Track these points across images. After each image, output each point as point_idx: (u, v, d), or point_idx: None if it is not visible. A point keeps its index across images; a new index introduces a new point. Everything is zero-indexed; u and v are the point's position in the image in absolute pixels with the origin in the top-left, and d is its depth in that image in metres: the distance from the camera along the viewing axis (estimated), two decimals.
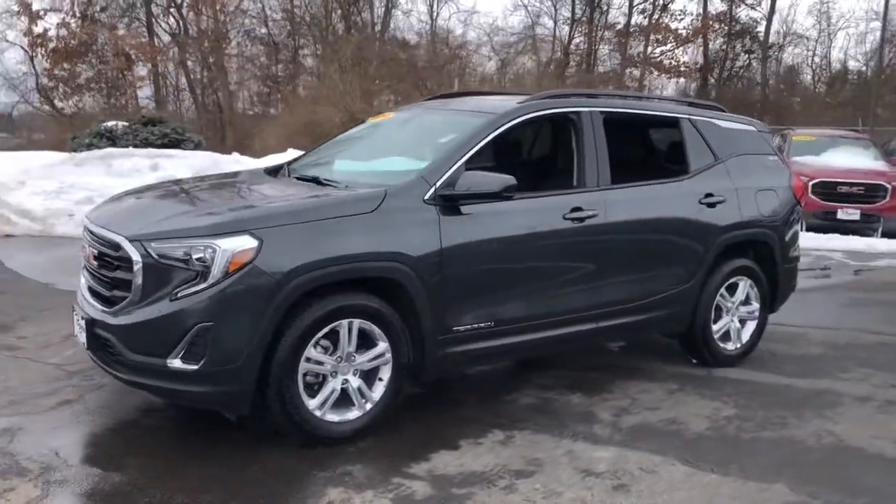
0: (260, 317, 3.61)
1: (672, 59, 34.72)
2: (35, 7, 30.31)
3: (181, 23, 32.58)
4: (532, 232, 4.45)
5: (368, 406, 4.01)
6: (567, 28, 34.96)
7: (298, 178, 4.69)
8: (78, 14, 31.07)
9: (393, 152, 4.93)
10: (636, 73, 34.43)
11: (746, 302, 5.53)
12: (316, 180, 4.53)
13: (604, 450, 4.00)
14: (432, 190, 4.13)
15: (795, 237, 5.79)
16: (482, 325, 4.29)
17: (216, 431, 4.06)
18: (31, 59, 31.53)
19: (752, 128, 5.72)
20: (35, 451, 3.73)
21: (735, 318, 5.48)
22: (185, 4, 30.98)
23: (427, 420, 4.33)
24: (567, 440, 4.10)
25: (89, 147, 12.93)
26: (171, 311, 3.60)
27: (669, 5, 34.61)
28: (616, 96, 5.67)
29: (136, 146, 12.80)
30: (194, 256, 3.60)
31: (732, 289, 5.43)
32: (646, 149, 5.89)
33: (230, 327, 3.60)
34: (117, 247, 3.81)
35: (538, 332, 4.53)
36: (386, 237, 3.94)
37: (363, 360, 3.97)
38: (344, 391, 3.95)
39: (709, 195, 5.18)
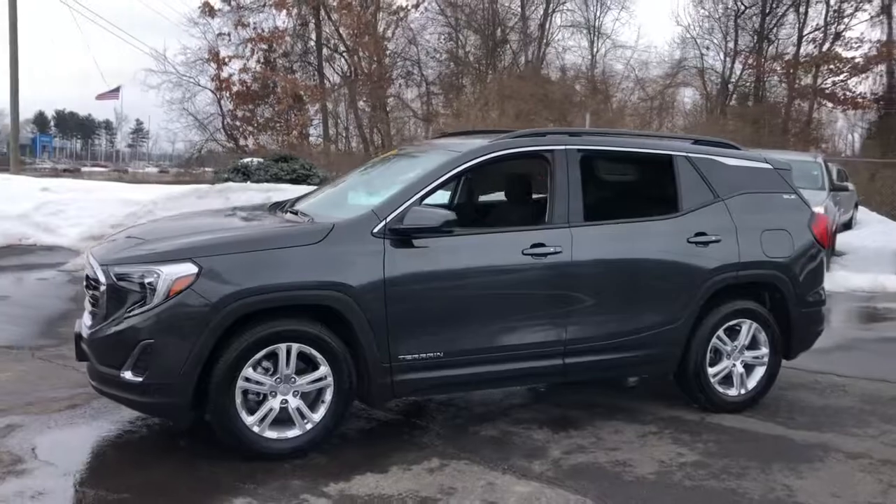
0: (196, 337, 3.98)
1: (846, 89, 32.61)
2: (222, 54, 33.22)
3: (350, 66, 34.52)
4: (487, 266, 4.57)
5: (309, 426, 4.27)
6: (729, 60, 33.81)
7: (289, 212, 5.05)
8: (262, 60, 33.73)
9: (379, 188, 5.20)
10: (804, 105, 32.62)
11: (753, 346, 5.29)
12: (295, 213, 4.89)
13: (525, 484, 4.03)
14: (382, 224, 4.36)
15: (815, 280, 5.47)
16: (431, 355, 4.44)
17: (196, 445, 4.46)
18: (219, 101, 34.49)
19: (766, 165, 5.49)
20: (17, 446, 4.28)
21: (738, 362, 5.26)
22: (349, 49, 32.83)
23: (378, 443, 4.53)
24: (496, 473, 4.16)
25: (226, 181, 14.08)
26: (124, 328, 4.06)
27: (844, 33, 32.63)
28: (605, 134, 5.66)
29: (266, 181, 13.81)
30: (144, 281, 4.04)
31: (734, 332, 5.23)
32: (633, 187, 5.80)
33: (169, 345, 3.99)
34: (94, 271, 4.34)
35: (495, 364, 4.62)
36: (327, 268, 4.21)
37: (303, 382, 4.24)
38: (285, 410, 4.23)
39: (700, 234, 5.05)
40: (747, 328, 5.24)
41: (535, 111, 23.01)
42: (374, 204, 4.53)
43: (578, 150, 4.95)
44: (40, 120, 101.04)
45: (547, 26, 32.07)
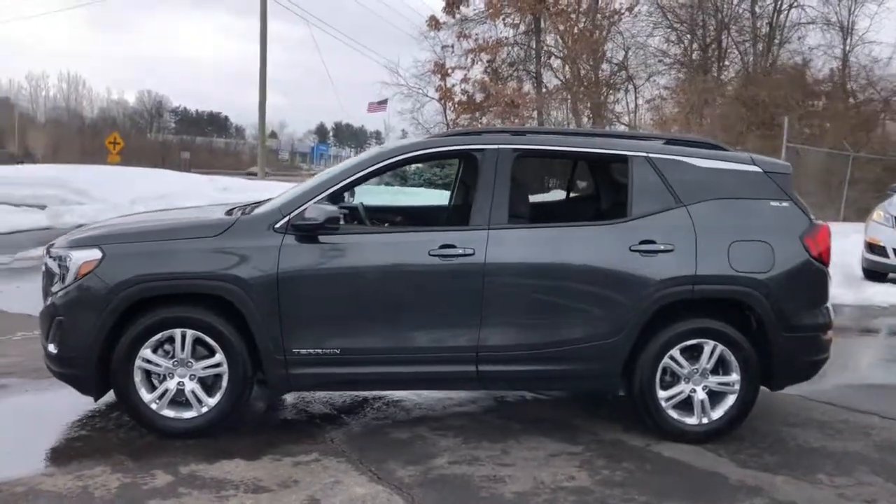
0: (97, 316, 4.37)
1: None
2: (447, 65, 34.57)
3: (571, 72, 34.37)
4: (390, 265, 4.52)
5: (205, 409, 4.50)
6: None
7: (245, 210, 5.32)
8: (486, 69, 34.64)
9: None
10: None
11: (721, 371, 4.71)
12: (246, 211, 5.14)
13: (368, 487, 3.96)
14: (284, 220, 4.50)
15: (809, 300, 4.75)
16: (327, 351, 4.49)
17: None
18: (444, 110, 35.90)
19: (752, 168, 4.85)
20: None
21: (699, 387, 4.71)
22: (567, 56, 32.69)
23: (279, 433, 4.66)
24: (355, 473, 4.12)
25: (387, 184, 14.78)
26: (48, 305, 4.57)
27: None
28: (558, 133, 5.30)
29: (419, 185, 14.32)
30: (62, 264, 4.51)
31: (695, 352, 4.69)
32: (579, 190, 5.35)
33: (76, 322, 4.42)
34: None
35: (400, 366, 4.56)
36: (221, 260, 4.42)
37: (199, 367, 4.49)
38: (183, 392, 4.49)
39: (647, 242, 4.60)
40: (710, 350, 4.67)
41: (740, 116, 21.43)
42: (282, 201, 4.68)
43: (514, 150, 4.73)
44: (321, 131, 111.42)
45: (780, 23, 29.72)
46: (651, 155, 4.79)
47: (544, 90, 34.51)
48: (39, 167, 22.35)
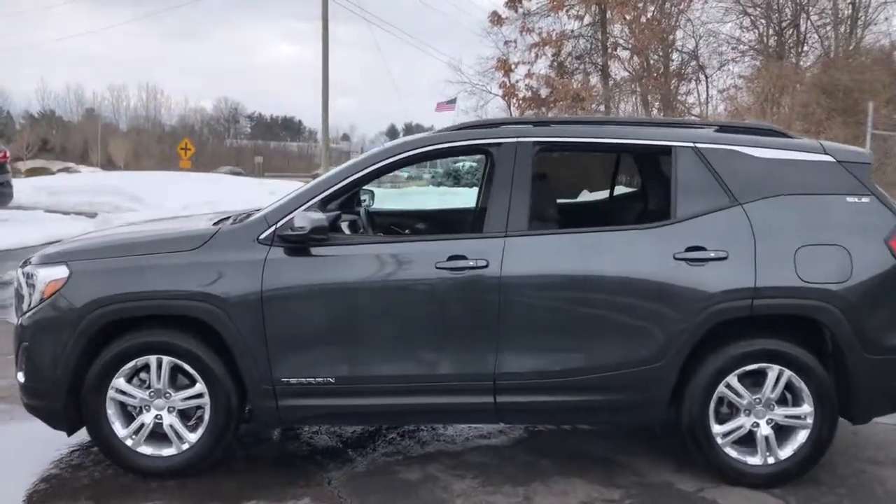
0: (65, 342, 3.88)
1: None
2: (511, 60, 33.84)
3: (639, 62, 33.21)
4: (392, 281, 3.91)
5: (185, 446, 3.97)
6: None
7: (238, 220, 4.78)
8: (551, 63, 33.78)
9: None
10: None
11: (790, 401, 3.94)
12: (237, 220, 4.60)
13: None
14: (271, 230, 3.94)
15: None
16: (321, 380, 3.91)
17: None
18: (508, 106, 35.18)
19: (824, 157, 4.05)
20: None
21: (763, 420, 3.94)
22: (634, 47, 31.55)
23: (271, 472, 4.09)
24: None
25: (439, 185, 14.22)
26: (16, 329, 4.10)
27: None
28: (588, 123, 4.56)
29: (472, 185, 13.70)
30: (29, 282, 4.04)
31: (757, 379, 3.93)
32: (612, 188, 4.60)
33: (42, 348, 3.95)
34: None
35: (403, 396, 3.94)
36: (199, 276, 3.88)
37: (178, 398, 3.96)
38: (162, 426, 3.97)
39: (695, 249, 3.86)
40: (775, 376, 3.90)
41: (819, 103, 20.01)
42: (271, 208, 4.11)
43: (535, 144, 4.05)
44: (392, 132, 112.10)
45: (864, 3, 27.91)
46: (699, 145, 4.05)
47: (612, 82, 33.44)
48: (100, 175, 22.60)
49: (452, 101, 47.31)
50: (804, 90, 21.80)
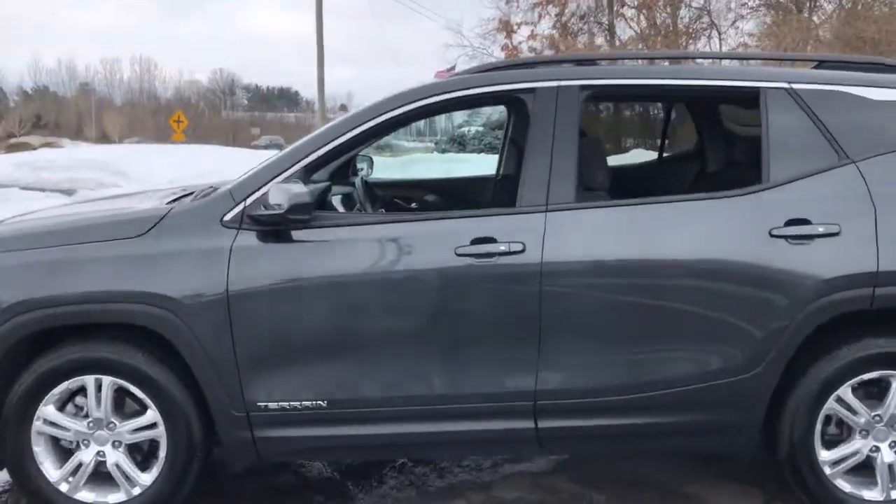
0: None
1: None
2: (513, 21, 32.57)
3: (646, 20, 31.96)
4: (396, 273, 2.98)
5: (137, 490, 3.07)
6: None
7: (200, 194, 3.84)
8: (557, 24, 32.52)
9: None
10: None
11: None
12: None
13: None
14: (238, 209, 3.01)
15: None
16: (308, 403, 3.00)
17: None
18: None
19: None
20: None
21: (885, 444, 3.03)
22: (640, 4, 30.33)
23: None
24: None
25: (443, 152, 13.28)
26: None
27: None
28: (643, 58, 3.57)
29: (480, 151, 12.81)
30: None
31: (875, 391, 3.02)
32: (686, 145, 3.65)
33: None
34: None
35: (414, 423, 3.03)
36: (144, 272, 2.96)
37: (125, 429, 3.05)
38: (106, 465, 3.07)
39: (798, 222, 2.92)
40: None
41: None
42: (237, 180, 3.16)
43: (582, 88, 3.09)
44: None
45: None
46: (796, 86, 3.09)
47: (618, 43, 32.21)
48: (84, 149, 21.62)
49: (452, 69, 46.30)
50: (823, 46, 20.62)
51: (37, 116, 70.26)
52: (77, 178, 14.59)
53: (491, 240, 2.93)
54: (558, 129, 3.03)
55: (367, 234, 3.02)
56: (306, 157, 3.06)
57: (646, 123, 5.01)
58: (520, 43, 32.45)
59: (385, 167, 10.79)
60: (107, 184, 14.39)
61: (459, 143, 13.14)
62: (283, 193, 2.85)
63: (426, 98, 3.10)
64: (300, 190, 2.84)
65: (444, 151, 13.08)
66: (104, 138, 65.01)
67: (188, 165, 14.82)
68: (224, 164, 14.79)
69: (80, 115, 75.40)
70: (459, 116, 16.48)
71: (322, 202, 3.51)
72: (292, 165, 3.04)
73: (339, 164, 4.18)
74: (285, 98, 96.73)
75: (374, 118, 3.09)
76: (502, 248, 2.92)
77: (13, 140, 51.99)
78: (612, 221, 3.00)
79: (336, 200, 3.65)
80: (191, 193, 3.57)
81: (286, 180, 2.99)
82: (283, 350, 2.99)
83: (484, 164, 10.17)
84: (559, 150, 3.01)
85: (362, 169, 4.67)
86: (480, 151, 12.62)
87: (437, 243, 2.97)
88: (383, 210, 3.76)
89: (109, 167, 15.43)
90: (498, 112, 13.97)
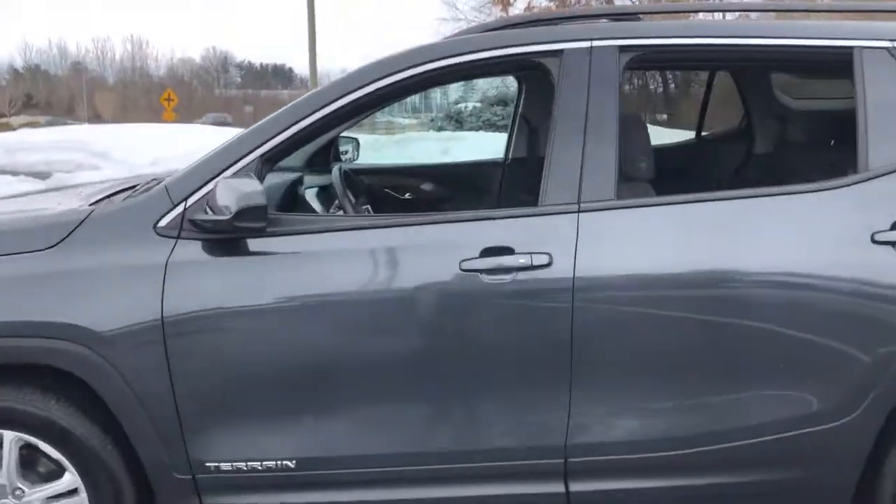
0: None
1: None
2: None
3: None
4: (384, 294, 2.27)
5: None
6: None
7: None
8: None
9: None
10: None
11: None
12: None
13: None
14: (176, 212, 2.30)
15: None
16: (273, 463, 2.32)
17: None
18: None
19: None
20: None
21: None
22: None
23: None
24: None
25: (439, 129, 12.57)
26: None
27: None
28: (697, 11, 2.84)
29: (478, 128, 12.08)
30: None
31: None
32: (749, 121, 2.95)
33: None
34: None
35: (406, 487, 2.35)
36: (52, 296, 2.27)
37: (35, 498, 2.36)
38: None
39: None
40: None
41: None
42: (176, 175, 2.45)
43: (622, 50, 2.37)
44: None
45: None
46: None
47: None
48: (66, 129, 20.80)
49: None
50: None
51: (27, 96, 69.38)
52: (54, 160, 13.81)
53: (507, 250, 2.23)
54: (593, 104, 2.32)
55: (344, 243, 2.32)
56: (263, 143, 2.34)
57: (669, 93, 4.27)
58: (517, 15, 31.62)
59: (376, 147, 10.06)
60: (85, 166, 13.63)
61: (456, 121, 12.39)
62: (230, 193, 2.14)
63: (424, 63, 2.38)
64: (251, 188, 2.13)
65: (440, 129, 12.32)
66: (97, 117, 64.20)
67: (175, 145, 14.07)
68: (213, 144, 14.07)
69: (71, 94, 74.45)
70: (455, 91, 15.69)
71: (291, 198, 2.81)
72: (245, 154, 2.33)
73: (318, 148, 3.49)
74: (279, 75, 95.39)
75: (355, 91, 2.37)
76: (522, 260, 2.22)
77: (3, 120, 51.19)
78: (665, 224, 2.30)
79: (311, 195, 2.95)
80: (132, 188, 2.86)
81: (238, 174, 2.28)
82: (238, 394, 2.30)
83: (483, 142, 9.44)
84: (594, 132, 2.30)
85: (346, 152, 3.97)
86: (479, 129, 11.85)
87: (435, 255, 2.27)
88: (369, 207, 3.03)
89: (89, 148, 14.64)
90: (495, 87, 13.11)
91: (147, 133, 17.14)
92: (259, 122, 2.45)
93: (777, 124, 3.43)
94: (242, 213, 2.11)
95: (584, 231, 2.23)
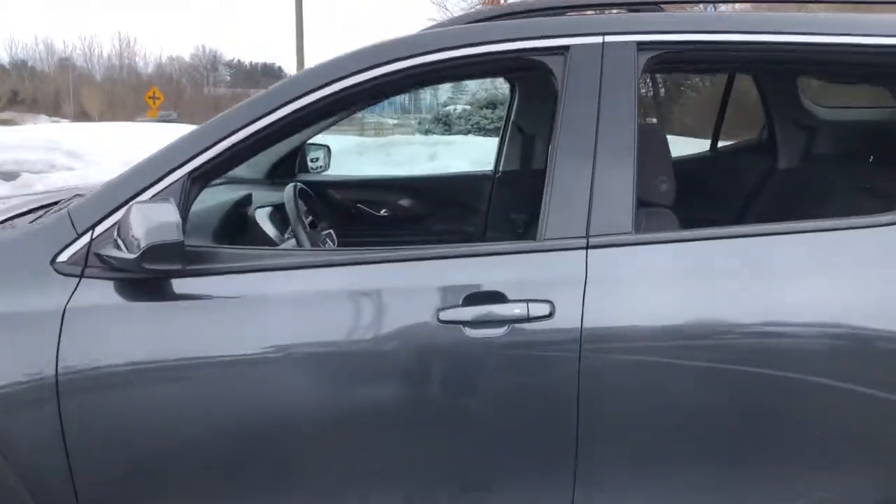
0: None
1: None
2: None
3: None
4: (336, 352, 1.79)
5: None
6: None
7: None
8: None
9: None
10: None
11: None
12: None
13: None
14: (80, 243, 1.82)
15: None
16: None
17: None
18: None
19: None
20: None
21: None
22: None
23: None
24: None
25: (426, 133, 12.10)
26: None
27: None
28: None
29: (467, 132, 11.62)
30: None
31: None
32: (779, 134, 2.51)
33: None
34: None
35: None
36: None
37: None
38: None
39: None
40: None
41: None
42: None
43: (640, 46, 1.89)
44: None
45: None
46: None
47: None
48: (38, 127, 20.24)
49: None
50: None
51: (13, 92, 68.69)
52: (24, 159, 13.25)
53: (497, 296, 1.76)
54: (605, 112, 1.85)
55: (288, 285, 1.83)
56: (192, 157, 1.86)
57: (658, 97, 3.83)
58: None
59: (360, 150, 9.55)
60: (59, 166, 13.09)
61: (444, 124, 11.90)
62: (141, 222, 1.66)
63: (399, 61, 1.89)
64: (165, 219, 1.65)
65: (427, 132, 11.83)
66: (84, 115, 63.60)
67: (151, 145, 13.53)
68: None
69: (58, 90, 73.73)
70: (445, 92, 15.08)
71: (240, 221, 2.33)
72: (168, 172, 1.85)
73: (280, 157, 3.01)
74: (269, 74, 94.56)
75: (311, 92, 1.89)
76: (517, 310, 1.75)
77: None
78: (696, 263, 1.83)
79: (263, 216, 2.47)
80: (53, 204, 2.37)
81: (159, 196, 1.80)
82: (152, 475, 1.82)
83: (471, 148, 8.96)
84: (607, 146, 1.84)
85: (317, 160, 3.49)
86: (468, 132, 11.37)
87: (407, 301, 1.79)
88: (331, 232, 2.53)
89: (61, 147, 14.11)
90: (484, 89, 12.48)
91: (127, 133, 16.62)
92: (190, 131, 1.96)
93: (804, 135, 2.98)
94: (151, 252, 1.63)
95: (594, 272, 1.77)
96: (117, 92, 71.31)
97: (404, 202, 3.30)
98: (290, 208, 2.28)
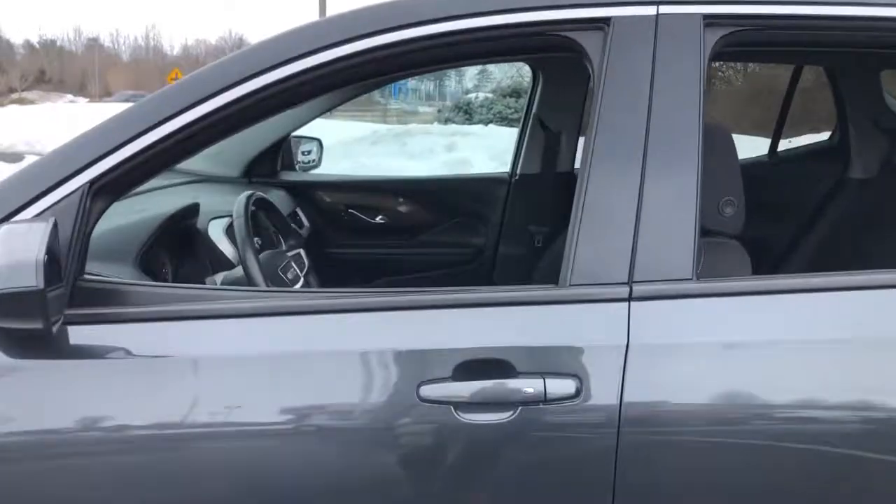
0: None
1: None
2: None
3: None
4: (280, 432, 1.29)
5: None
6: None
7: None
8: None
9: None
10: None
11: None
12: None
13: None
14: None
15: None
16: None
17: None
18: None
19: None
20: None
21: None
22: None
23: None
24: None
25: (446, 122, 11.64)
26: None
27: None
28: None
29: (488, 122, 11.14)
30: None
31: None
32: (854, 137, 2.07)
33: None
34: None
35: None
36: None
37: None
38: None
39: None
40: None
41: None
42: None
43: (707, 21, 1.36)
44: None
45: None
46: None
47: None
48: (56, 107, 20.06)
49: None
50: None
51: (41, 71, 69.18)
52: (37, 139, 13.06)
53: (501, 366, 1.25)
54: (659, 107, 1.33)
55: (217, 341, 1.33)
56: (92, 163, 1.36)
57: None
58: None
59: (374, 140, 9.02)
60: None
61: (465, 112, 11.35)
62: (4, 255, 1.17)
63: (344, 43, 1.38)
64: (25, 255, 1.16)
65: (447, 121, 11.30)
66: (108, 96, 63.91)
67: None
68: None
69: (84, 71, 74.21)
70: (470, 79, 14.28)
71: (183, 239, 1.84)
72: (59, 182, 1.35)
73: (259, 152, 2.53)
74: None
75: (239, 83, 1.38)
76: (529, 389, 1.24)
77: (14, 95, 50.69)
78: (787, 321, 1.31)
79: (217, 232, 1.97)
80: None
81: (43, 215, 1.31)
82: None
83: (490, 140, 8.43)
84: (660, 156, 1.32)
85: (309, 152, 2.99)
86: (489, 122, 10.83)
87: (376, 369, 1.29)
88: (301, 252, 2.01)
89: (80, 128, 13.89)
90: (509, 76, 11.57)
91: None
92: (97, 124, 1.47)
93: (885, 140, 2.47)
94: (13, 301, 1.14)
95: (639, 335, 1.26)
96: (143, 72, 71.67)
97: (404, 208, 2.79)
98: (238, 227, 1.77)
